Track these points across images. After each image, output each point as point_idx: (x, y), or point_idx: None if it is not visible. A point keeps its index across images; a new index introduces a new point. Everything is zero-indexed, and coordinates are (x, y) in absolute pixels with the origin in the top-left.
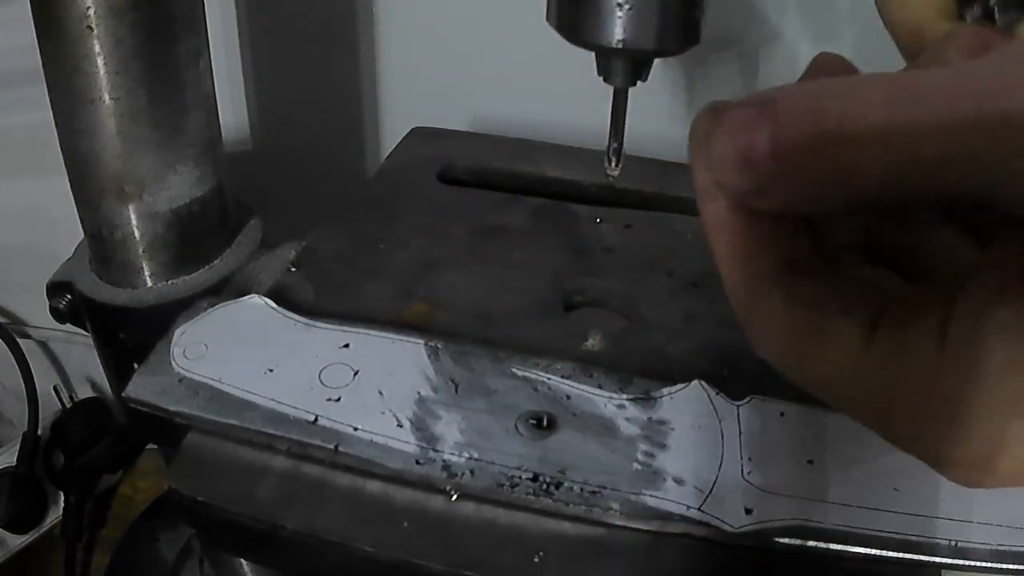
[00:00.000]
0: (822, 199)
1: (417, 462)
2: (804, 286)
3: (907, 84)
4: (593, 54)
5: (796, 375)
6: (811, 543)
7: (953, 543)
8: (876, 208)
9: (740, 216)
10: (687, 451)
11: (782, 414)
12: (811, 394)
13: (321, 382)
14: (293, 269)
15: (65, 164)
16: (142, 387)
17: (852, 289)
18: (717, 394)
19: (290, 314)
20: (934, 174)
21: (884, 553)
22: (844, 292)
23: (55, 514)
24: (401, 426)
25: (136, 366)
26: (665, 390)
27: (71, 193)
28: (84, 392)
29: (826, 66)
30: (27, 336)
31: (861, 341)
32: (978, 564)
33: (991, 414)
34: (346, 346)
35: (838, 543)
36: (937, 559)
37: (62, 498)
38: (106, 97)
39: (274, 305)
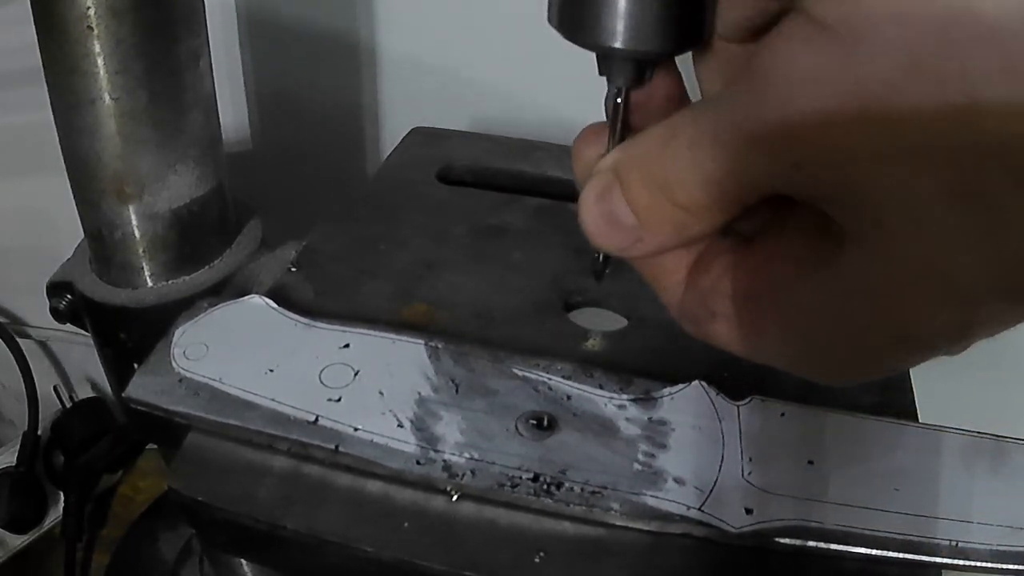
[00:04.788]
0: (683, 231)
1: (417, 462)
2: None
3: (690, 119)
4: (594, 54)
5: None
6: (811, 543)
7: (953, 543)
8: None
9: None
10: (687, 451)
11: (782, 414)
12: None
13: (321, 382)
14: (293, 269)
15: (65, 164)
16: (142, 387)
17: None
18: (717, 394)
19: (290, 314)
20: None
21: (884, 553)
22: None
23: (55, 514)
24: (401, 426)
25: (136, 366)
26: (665, 390)
27: (71, 193)
28: (84, 392)
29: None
30: (27, 336)
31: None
32: (978, 564)
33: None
34: (346, 346)
35: (838, 543)
36: (937, 559)
37: (62, 498)
38: (106, 97)
39: (274, 305)
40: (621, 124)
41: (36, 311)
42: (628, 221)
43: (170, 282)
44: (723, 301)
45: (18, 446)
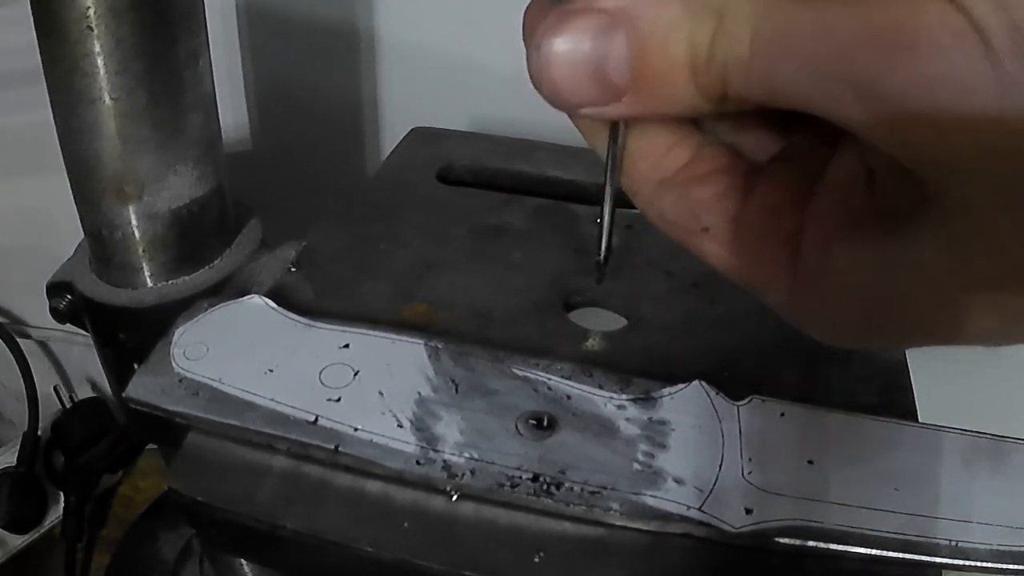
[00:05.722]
0: (674, 105)
1: (417, 462)
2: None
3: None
4: None
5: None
6: (811, 543)
7: (953, 543)
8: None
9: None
10: (687, 451)
11: (782, 414)
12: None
13: (321, 382)
14: (293, 269)
15: (65, 164)
16: (142, 387)
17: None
18: (717, 394)
19: (290, 314)
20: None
21: (884, 553)
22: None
23: (55, 514)
24: (401, 426)
25: (136, 366)
26: (665, 390)
27: (71, 193)
28: (84, 392)
29: None
30: (27, 336)
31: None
32: (978, 564)
33: None
34: (346, 346)
35: (838, 543)
36: (937, 559)
37: (62, 498)
38: (106, 97)
39: (274, 305)
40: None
41: (36, 311)
42: (617, 78)
43: (170, 282)
44: (719, 221)
45: (18, 446)
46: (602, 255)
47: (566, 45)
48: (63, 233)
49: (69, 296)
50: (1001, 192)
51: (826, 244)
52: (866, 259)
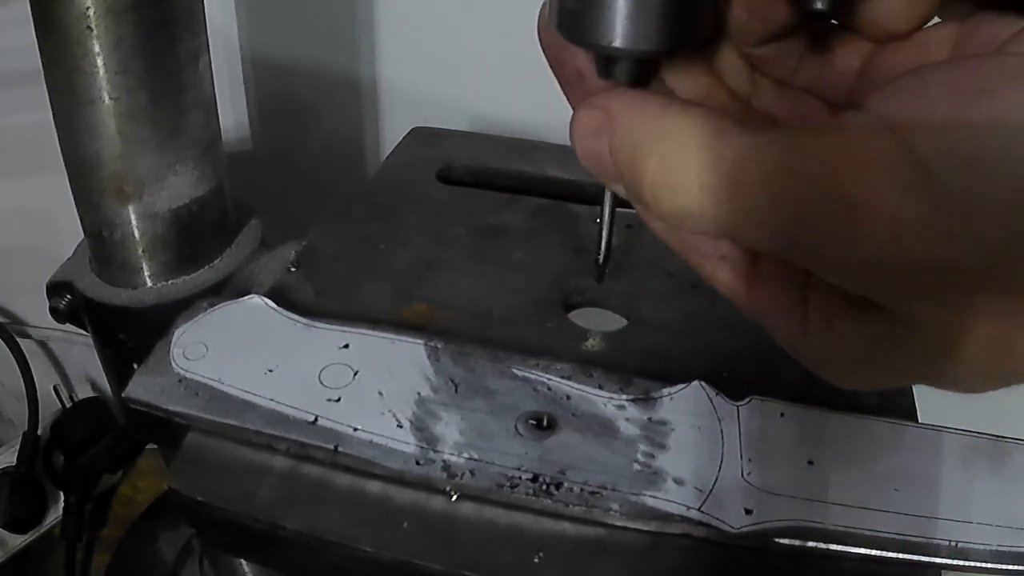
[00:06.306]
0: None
1: (417, 462)
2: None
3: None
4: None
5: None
6: (811, 543)
7: (953, 543)
8: None
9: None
10: (687, 452)
11: (782, 414)
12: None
13: (321, 382)
14: (293, 269)
15: (65, 164)
16: (142, 387)
17: None
18: (717, 394)
19: (290, 314)
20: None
21: (884, 553)
22: None
23: (55, 514)
24: (401, 426)
25: (136, 366)
26: (665, 390)
27: (71, 193)
28: (84, 392)
29: None
30: (27, 336)
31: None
32: (978, 564)
33: None
34: (346, 346)
35: (838, 543)
36: (937, 559)
37: (62, 498)
38: (106, 97)
39: (274, 305)
40: None
41: (36, 311)
42: (608, 169)
43: (170, 282)
44: (741, 253)
45: (18, 446)
46: (602, 255)
47: (579, 130)
48: (63, 233)
49: (69, 296)
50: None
51: (829, 311)
52: (863, 331)
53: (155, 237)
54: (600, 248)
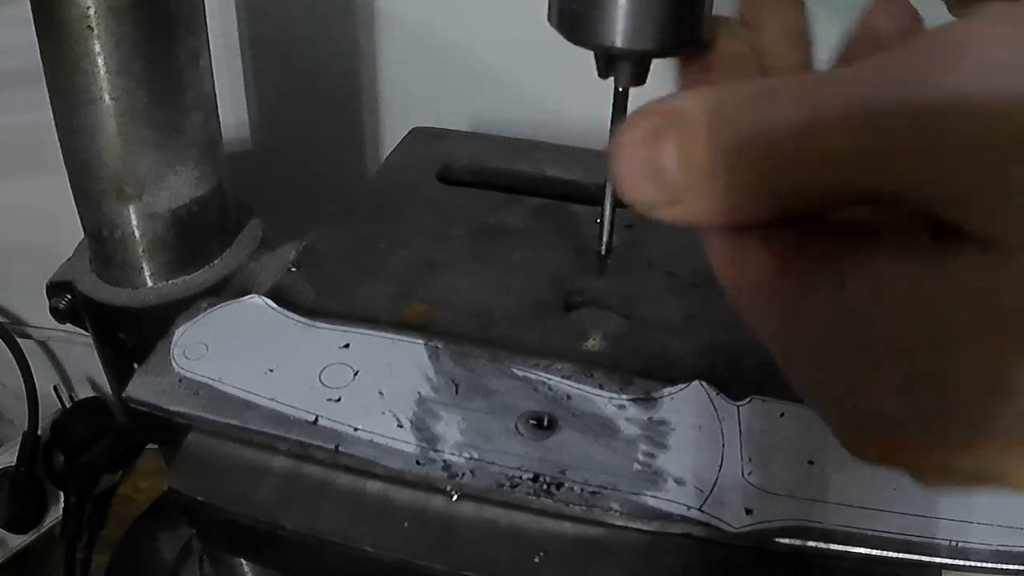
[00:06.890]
0: (735, 209)
1: (417, 462)
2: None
3: (820, 82)
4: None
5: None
6: (811, 543)
7: (953, 543)
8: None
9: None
10: (687, 451)
11: (782, 414)
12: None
13: (321, 382)
14: (293, 269)
15: (65, 164)
16: (142, 387)
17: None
18: (717, 394)
19: (290, 314)
20: (849, 172)
21: (884, 553)
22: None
23: (55, 514)
24: (401, 426)
25: (136, 366)
26: (665, 390)
27: (71, 193)
28: (84, 392)
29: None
30: (27, 336)
31: (773, 268)
32: (978, 564)
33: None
34: (346, 346)
35: (838, 543)
36: (937, 559)
37: (62, 498)
38: (106, 97)
39: (274, 305)
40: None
41: (36, 311)
42: (673, 178)
43: (170, 282)
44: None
45: (18, 446)
46: (603, 247)
47: (627, 146)
48: (63, 233)
49: (69, 296)
50: None
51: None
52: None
53: (155, 237)
54: (602, 241)
